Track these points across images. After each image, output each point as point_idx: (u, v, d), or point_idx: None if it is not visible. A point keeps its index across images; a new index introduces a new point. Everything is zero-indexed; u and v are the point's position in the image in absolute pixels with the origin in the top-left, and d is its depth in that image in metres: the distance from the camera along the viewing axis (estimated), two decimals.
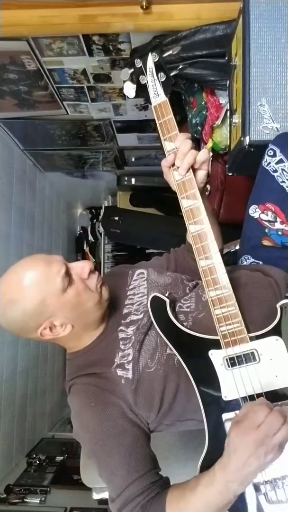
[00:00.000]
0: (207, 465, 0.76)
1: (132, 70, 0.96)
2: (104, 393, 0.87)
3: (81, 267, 0.90)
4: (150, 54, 0.92)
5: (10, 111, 2.06)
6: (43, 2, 1.37)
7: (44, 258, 0.88)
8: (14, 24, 1.41)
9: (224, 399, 0.82)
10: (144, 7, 1.34)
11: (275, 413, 0.67)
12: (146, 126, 2.28)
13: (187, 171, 0.86)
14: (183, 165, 0.84)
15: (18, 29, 1.46)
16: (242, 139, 1.14)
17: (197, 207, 0.85)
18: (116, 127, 2.30)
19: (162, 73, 0.91)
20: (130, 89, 0.98)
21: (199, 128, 1.62)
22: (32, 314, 0.84)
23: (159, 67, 0.92)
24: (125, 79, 0.98)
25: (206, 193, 1.83)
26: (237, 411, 0.74)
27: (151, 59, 0.92)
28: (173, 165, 0.87)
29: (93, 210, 3.74)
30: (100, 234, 3.58)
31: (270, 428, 0.66)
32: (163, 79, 0.91)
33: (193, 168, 0.87)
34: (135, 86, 0.97)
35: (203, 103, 1.57)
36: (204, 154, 0.86)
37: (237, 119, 1.20)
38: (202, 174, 0.89)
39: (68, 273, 0.87)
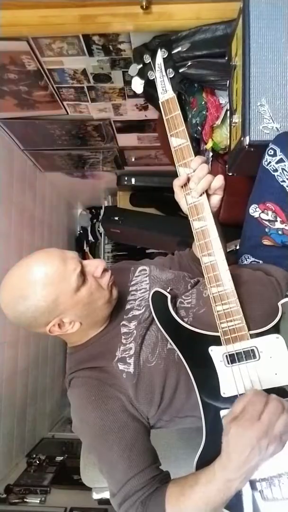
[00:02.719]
0: (204, 461, 0.76)
1: (141, 65, 0.96)
2: (105, 386, 0.87)
3: (95, 266, 0.89)
4: (159, 50, 0.93)
5: (10, 111, 2.06)
6: (43, 2, 1.37)
7: (59, 254, 0.86)
8: (14, 24, 1.41)
9: (223, 395, 0.82)
10: (144, 7, 1.34)
11: (274, 401, 0.67)
12: (146, 126, 2.28)
13: (201, 195, 0.86)
14: (197, 188, 0.85)
15: (18, 29, 1.45)
16: (242, 139, 1.14)
17: (201, 203, 0.86)
18: (116, 127, 2.30)
19: (170, 69, 0.91)
20: (138, 85, 0.98)
21: (199, 128, 1.63)
22: (44, 311, 0.84)
23: (167, 63, 0.92)
24: (134, 75, 0.98)
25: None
26: None
27: (160, 55, 0.93)
28: (185, 185, 0.87)
29: (93, 210, 3.74)
30: (100, 234, 3.58)
31: (272, 415, 0.65)
32: (171, 75, 0.92)
33: (207, 193, 0.87)
34: (143, 81, 0.97)
35: (203, 103, 1.57)
36: (219, 180, 0.86)
37: (237, 119, 1.21)
38: (216, 199, 0.89)
39: (82, 271, 0.86)
